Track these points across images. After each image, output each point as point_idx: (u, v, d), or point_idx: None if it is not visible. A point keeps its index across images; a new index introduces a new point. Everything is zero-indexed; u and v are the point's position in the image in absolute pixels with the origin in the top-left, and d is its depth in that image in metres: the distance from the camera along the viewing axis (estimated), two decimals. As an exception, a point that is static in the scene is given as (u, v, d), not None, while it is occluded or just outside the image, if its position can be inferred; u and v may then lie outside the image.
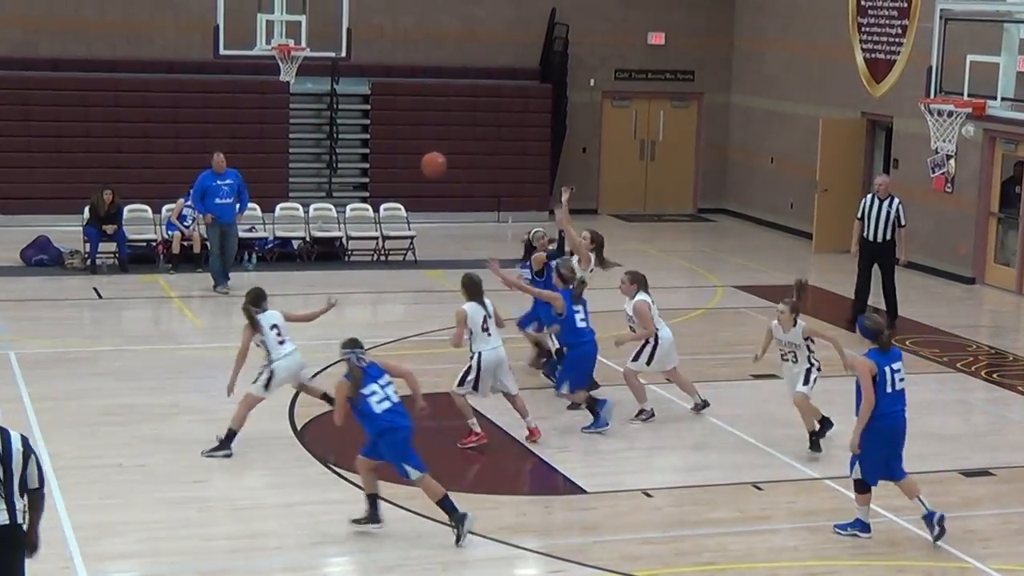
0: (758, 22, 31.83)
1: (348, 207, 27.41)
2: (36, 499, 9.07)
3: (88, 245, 24.12)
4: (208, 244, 23.40)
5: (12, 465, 8.84)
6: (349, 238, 26.27)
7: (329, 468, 14.30)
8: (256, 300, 14.75)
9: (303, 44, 23.78)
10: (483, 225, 29.67)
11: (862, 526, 12.78)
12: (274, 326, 14.70)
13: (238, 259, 24.15)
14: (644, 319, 15.87)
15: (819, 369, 14.96)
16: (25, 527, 9.01)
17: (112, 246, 24.25)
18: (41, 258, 24.39)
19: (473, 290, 14.98)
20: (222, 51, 24.45)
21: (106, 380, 17.23)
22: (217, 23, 24.21)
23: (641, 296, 15.95)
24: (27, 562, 9.11)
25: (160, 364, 18.03)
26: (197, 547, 12.17)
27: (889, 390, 12.45)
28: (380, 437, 12.34)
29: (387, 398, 12.33)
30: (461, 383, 14.97)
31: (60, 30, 29.23)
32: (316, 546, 12.38)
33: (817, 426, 15.10)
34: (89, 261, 24.02)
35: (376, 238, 26.25)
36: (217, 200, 22.93)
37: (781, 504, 13.65)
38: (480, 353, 14.88)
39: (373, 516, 12.63)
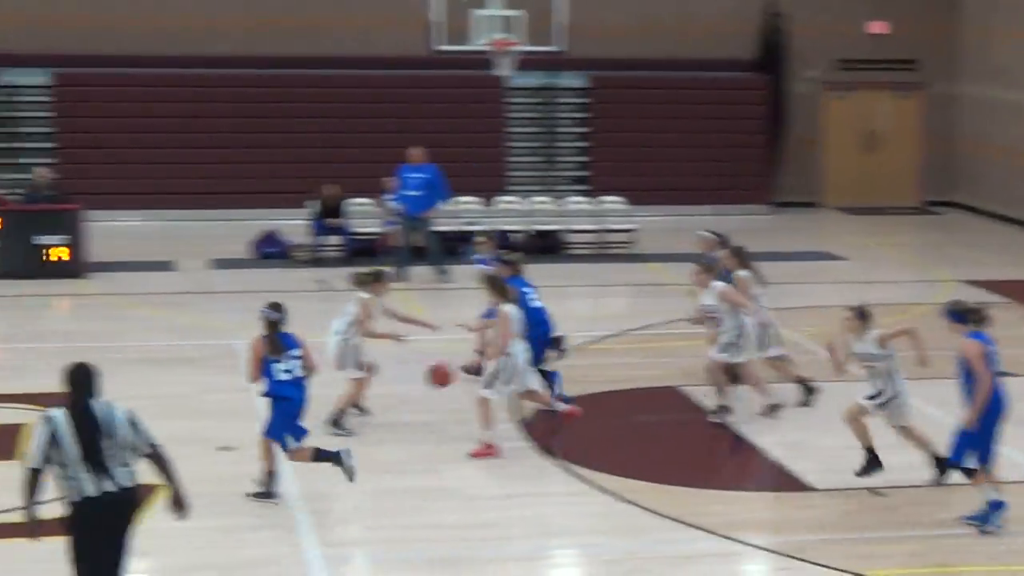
0: (985, 9, 31.01)
1: (567, 200, 27.48)
2: (158, 459, 9.65)
3: (314, 238, 24.69)
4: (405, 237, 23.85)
5: (118, 435, 9.41)
6: (568, 231, 26.32)
7: (552, 460, 14.33)
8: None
9: (520, 39, 23.90)
10: (703, 219, 29.41)
11: (997, 505, 12.31)
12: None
13: (460, 252, 24.37)
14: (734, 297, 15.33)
15: (896, 395, 13.19)
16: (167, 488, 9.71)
17: (338, 239, 24.75)
18: (271, 251, 24.98)
19: (503, 292, 14.76)
20: (440, 47, 24.71)
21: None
22: (435, 19, 24.46)
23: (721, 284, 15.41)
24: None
25: (390, 354, 18.22)
26: (424, 535, 12.30)
27: (995, 370, 12.13)
28: (274, 402, 12.76)
29: (290, 369, 12.78)
30: (487, 385, 14.57)
31: (285, 29, 29.86)
32: (540, 537, 12.41)
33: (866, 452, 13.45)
34: (314, 254, 24.55)
35: (594, 231, 26.25)
36: (406, 192, 23.34)
37: (1020, 505, 13.21)
38: (510, 353, 14.52)
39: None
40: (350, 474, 12.99)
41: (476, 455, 14.32)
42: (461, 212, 26.13)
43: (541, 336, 15.60)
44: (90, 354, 11.45)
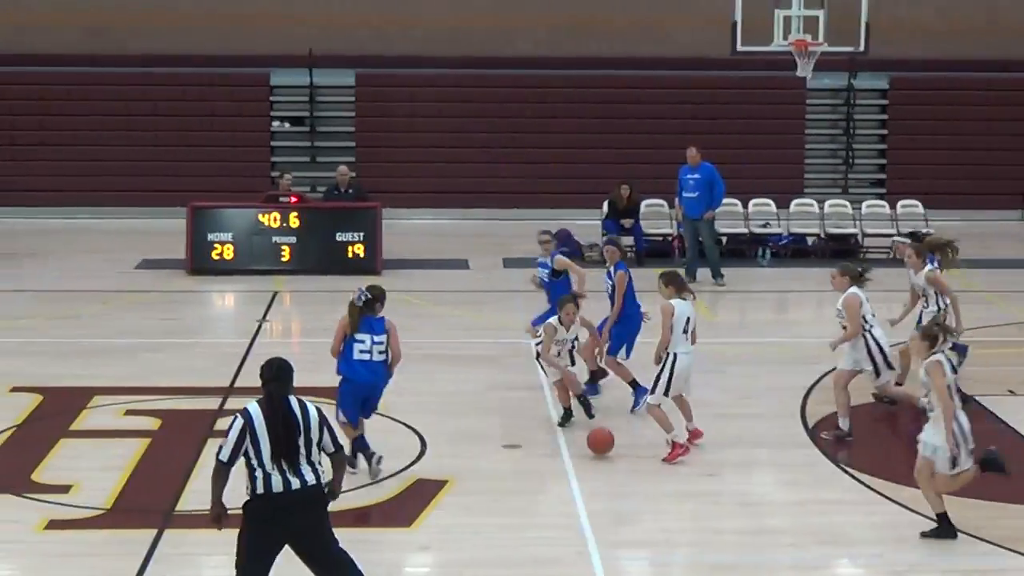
0: None
1: (864, 204, 26.90)
2: (338, 460, 9.87)
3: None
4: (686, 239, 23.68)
5: (311, 433, 9.55)
6: (864, 235, 25.75)
7: (841, 468, 14.00)
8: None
9: (821, 39, 23.48)
10: (1005, 223, 28.46)
11: None
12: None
13: (751, 255, 24.09)
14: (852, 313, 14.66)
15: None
16: (330, 484, 9.81)
17: (630, 239, 24.68)
18: (563, 250, 25.03)
19: (680, 286, 14.26)
20: (739, 47, 24.44)
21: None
22: (735, 19, 24.22)
23: (853, 290, 14.76)
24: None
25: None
26: (707, 539, 12.15)
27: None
28: (343, 380, 13.19)
29: (368, 351, 13.10)
30: (654, 390, 14.12)
31: (580, 28, 30.03)
32: (826, 545, 12.12)
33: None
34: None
35: (890, 235, 25.61)
36: (685, 194, 23.19)
37: None
38: (676, 355, 14.08)
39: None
40: (372, 475, 13.19)
41: (670, 459, 13.92)
42: (755, 215, 25.84)
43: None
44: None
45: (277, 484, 9.42)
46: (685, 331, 14.09)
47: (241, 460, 9.52)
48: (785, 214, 26.16)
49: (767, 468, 14.11)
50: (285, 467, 9.43)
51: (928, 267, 15.94)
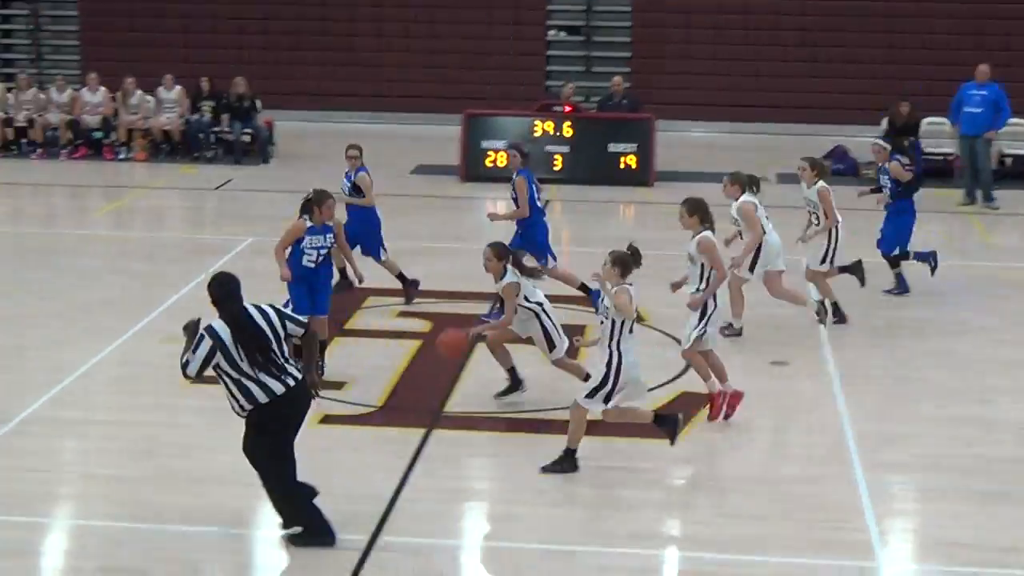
0: None
1: None
2: (308, 339, 10.07)
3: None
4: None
5: (278, 332, 9.73)
6: None
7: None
8: None
9: None
10: None
11: None
12: None
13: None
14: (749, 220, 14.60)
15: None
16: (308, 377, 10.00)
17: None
18: (839, 167, 24.58)
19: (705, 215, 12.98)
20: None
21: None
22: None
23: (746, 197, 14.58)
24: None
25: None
26: (977, 466, 11.83)
27: None
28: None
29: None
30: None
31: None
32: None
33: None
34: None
35: None
36: (966, 109, 22.40)
37: None
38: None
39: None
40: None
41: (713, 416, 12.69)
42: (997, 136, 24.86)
43: None
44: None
45: (276, 387, 9.68)
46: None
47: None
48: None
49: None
50: (273, 371, 9.67)
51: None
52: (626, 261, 11.29)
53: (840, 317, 15.59)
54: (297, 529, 10.07)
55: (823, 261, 15.77)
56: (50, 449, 12.06)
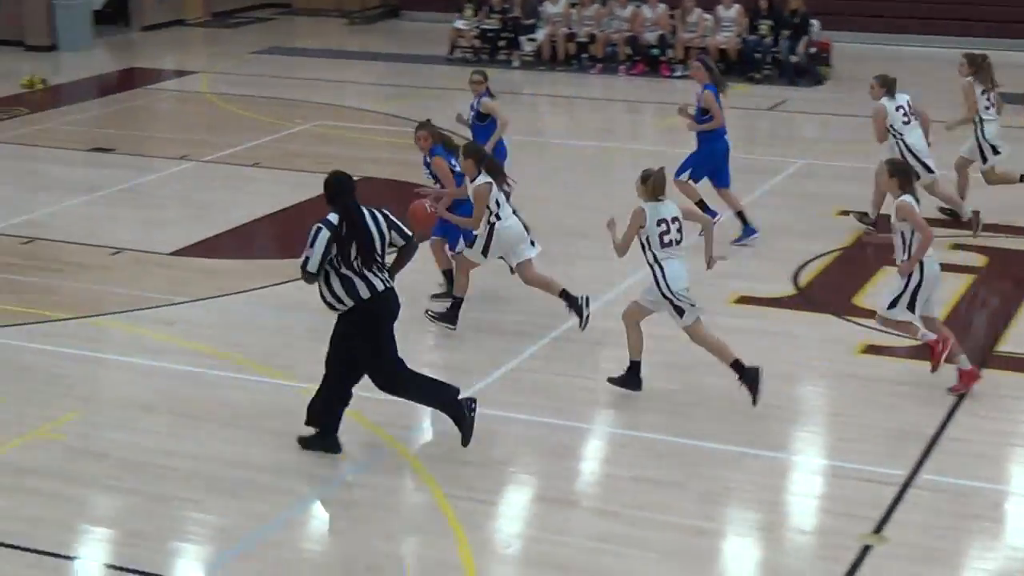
0: None
1: None
2: (409, 248, 10.43)
3: None
4: None
5: (384, 236, 10.14)
6: None
7: None
8: None
9: None
10: None
11: None
12: None
13: None
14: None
15: None
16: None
17: None
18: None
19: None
20: None
21: None
22: None
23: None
24: None
25: None
26: None
27: None
28: None
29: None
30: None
31: None
32: None
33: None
34: None
35: None
36: None
37: None
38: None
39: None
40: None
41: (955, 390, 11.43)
42: None
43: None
44: None
45: (378, 283, 10.05)
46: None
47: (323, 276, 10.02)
48: None
49: None
50: (375, 270, 10.05)
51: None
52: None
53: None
54: (313, 431, 10.41)
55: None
56: (593, 358, 12.30)
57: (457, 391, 10.40)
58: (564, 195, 17.33)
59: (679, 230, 11.16)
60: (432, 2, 30.36)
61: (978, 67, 15.94)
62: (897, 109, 15.29)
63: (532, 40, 26.42)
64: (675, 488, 9.88)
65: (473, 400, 10.38)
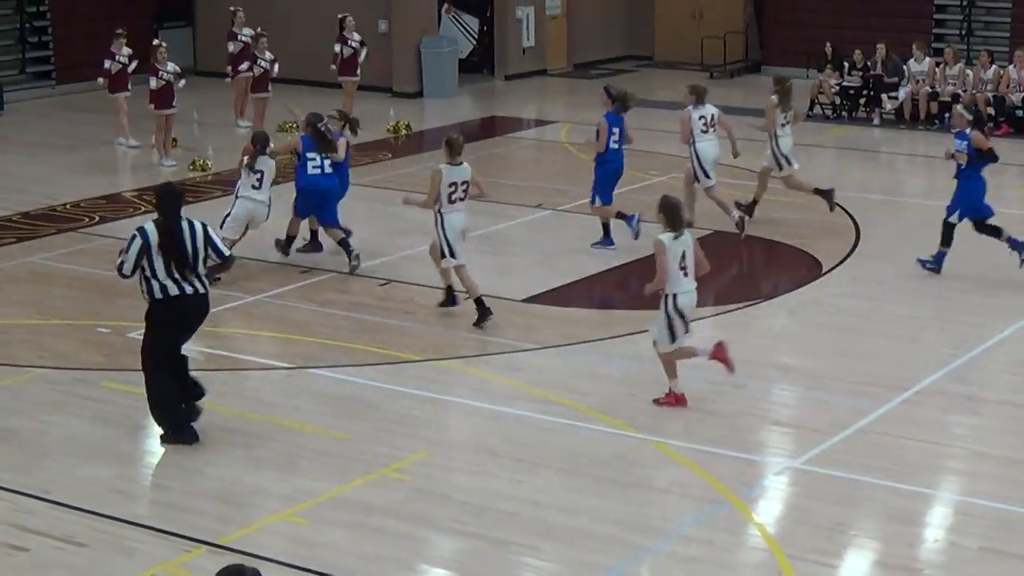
0: None
1: None
2: (223, 263, 11.68)
3: None
4: None
5: (198, 249, 11.26)
6: None
7: None
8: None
9: None
10: None
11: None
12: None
13: None
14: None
15: None
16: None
17: None
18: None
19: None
20: None
21: None
22: None
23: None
24: None
25: None
26: None
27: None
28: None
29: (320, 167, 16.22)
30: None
31: None
32: None
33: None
34: None
35: None
36: None
37: None
38: None
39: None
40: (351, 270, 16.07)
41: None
42: None
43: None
44: None
45: (173, 290, 11.16)
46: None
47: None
48: None
49: None
50: (178, 278, 11.17)
51: None
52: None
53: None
54: (161, 431, 11.50)
55: None
56: (943, 422, 11.96)
57: (192, 428, 11.44)
58: (917, 255, 16.89)
59: (465, 191, 14.26)
60: (794, 57, 30.12)
61: (782, 89, 17.85)
62: (700, 118, 17.41)
63: (893, 98, 25.90)
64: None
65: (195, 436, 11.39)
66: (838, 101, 26.41)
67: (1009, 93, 25.01)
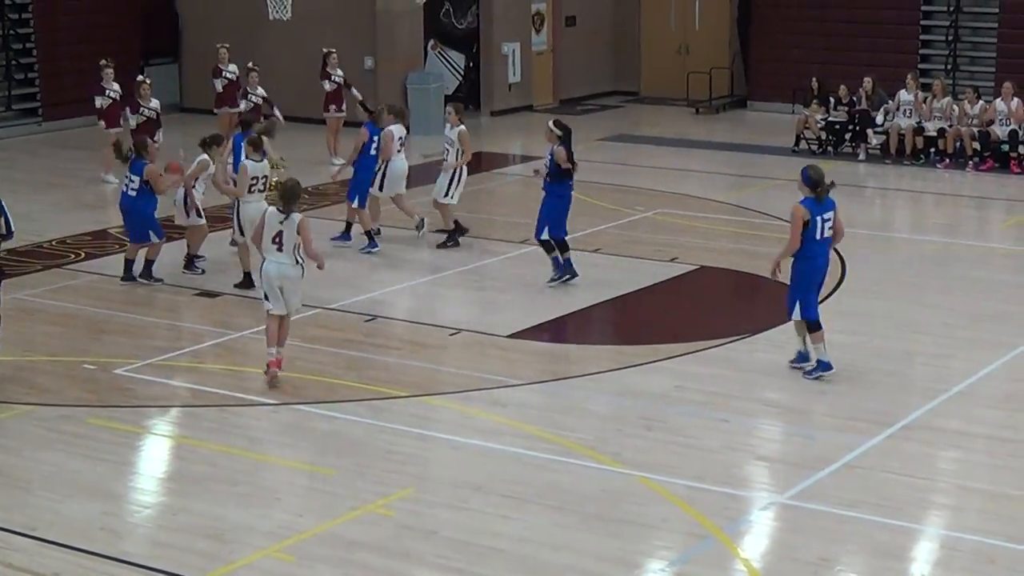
0: None
1: None
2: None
3: None
4: None
5: None
6: None
7: None
8: None
9: None
10: None
11: (825, 366, 13.61)
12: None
13: None
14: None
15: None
16: None
17: None
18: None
19: None
20: None
21: None
22: None
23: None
24: None
25: None
26: None
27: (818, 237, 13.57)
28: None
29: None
30: None
31: None
32: None
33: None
34: None
35: None
36: None
37: None
38: None
39: None
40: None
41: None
42: None
43: None
44: None
45: None
46: None
47: None
48: None
49: None
50: None
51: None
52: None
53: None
54: None
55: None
56: (928, 457, 11.98)
57: None
58: (903, 290, 16.97)
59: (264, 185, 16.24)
60: (779, 93, 30.25)
61: (459, 113, 19.07)
62: (397, 138, 18.95)
63: (880, 133, 25.98)
64: (1010, 598, 9.50)
65: None
66: (824, 136, 26.50)
67: (996, 126, 25.05)
